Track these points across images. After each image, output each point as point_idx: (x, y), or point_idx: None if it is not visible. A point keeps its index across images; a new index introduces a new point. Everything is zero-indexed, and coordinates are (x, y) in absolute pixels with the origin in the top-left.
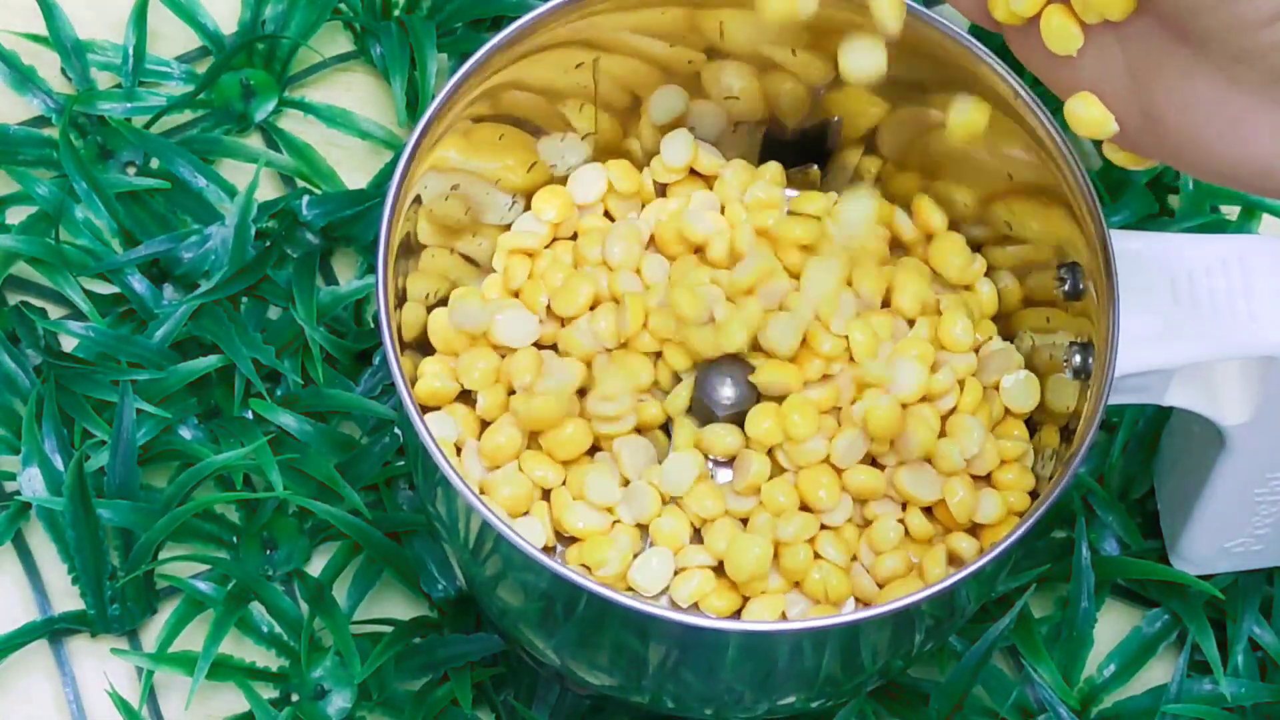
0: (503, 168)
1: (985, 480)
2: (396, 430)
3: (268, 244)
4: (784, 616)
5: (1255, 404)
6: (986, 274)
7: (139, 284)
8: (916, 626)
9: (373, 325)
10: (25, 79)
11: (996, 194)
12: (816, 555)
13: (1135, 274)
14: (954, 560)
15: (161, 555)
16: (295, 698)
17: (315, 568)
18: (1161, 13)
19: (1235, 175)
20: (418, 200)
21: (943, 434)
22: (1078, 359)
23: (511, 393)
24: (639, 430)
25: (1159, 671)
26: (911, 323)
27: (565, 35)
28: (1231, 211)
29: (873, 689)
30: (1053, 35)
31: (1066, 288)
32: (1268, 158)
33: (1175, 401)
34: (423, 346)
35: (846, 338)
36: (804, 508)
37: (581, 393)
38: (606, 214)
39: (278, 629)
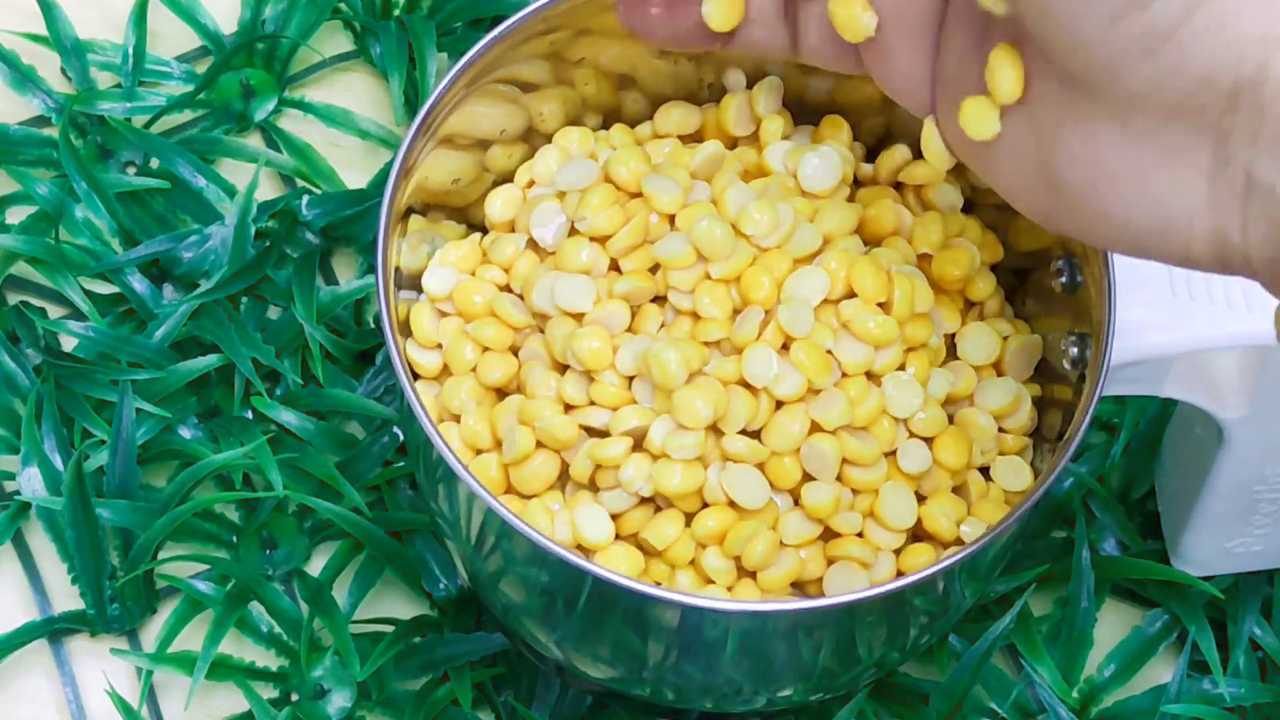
0: (503, 160)
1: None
2: (396, 429)
3: (268, 244)
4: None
5: (1253, 396)
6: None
7: (139, 284)
8: (911, 619)
9: (373, 325)
10: (25, 79)
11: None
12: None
13: (1132, 265)
14: None
15: (161, 555)
16: (295, 697)
17: (315, 567)
18: (1053, 61)
19: (1138, 238)
20: (417, 198)
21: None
22: (1075, 350)
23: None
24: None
25: (1159, 671)
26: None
27: (565, 31)
28: None
29: (871, 686)
30: (971, 122)
31: (1064, 280)
32: (1166, 216)
33: (1173, 393)
34: None
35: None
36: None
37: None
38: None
39: (277, 629)
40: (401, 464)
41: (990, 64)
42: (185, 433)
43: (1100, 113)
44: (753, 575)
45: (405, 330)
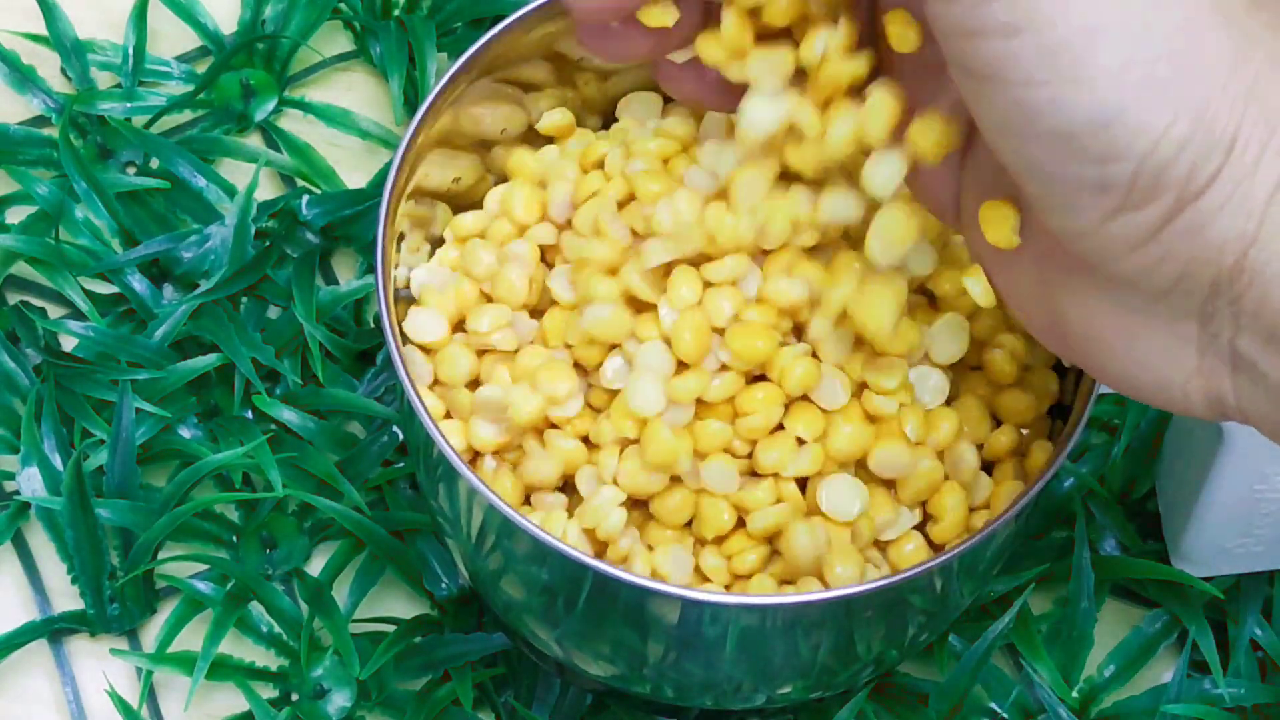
0: (503, 160)
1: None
2: (396, 429)
3: (267, 244)
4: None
5: None
6: None
7: (139, 284)
8: (909, 617)
9: (373, 325)
10: (25, 79)
11: None
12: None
13: None
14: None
15: (161, 555)
16: (295, 697)
17: (314, 567)
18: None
19: (1136, 391)
20: (416, 196)
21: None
22: None
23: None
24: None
25: (1159, 671)
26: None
27: (565, 31)
28: None
29: (870, 685)
30: (990, 228)
31: None
32: (1161, 376)
33: None
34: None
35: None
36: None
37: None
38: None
39: (277, 629)
40: (401, 464)
41: (983, 214)
42: (185, 432)
43: (1095, 283)
44: (748, 576)
45: (405, 329)
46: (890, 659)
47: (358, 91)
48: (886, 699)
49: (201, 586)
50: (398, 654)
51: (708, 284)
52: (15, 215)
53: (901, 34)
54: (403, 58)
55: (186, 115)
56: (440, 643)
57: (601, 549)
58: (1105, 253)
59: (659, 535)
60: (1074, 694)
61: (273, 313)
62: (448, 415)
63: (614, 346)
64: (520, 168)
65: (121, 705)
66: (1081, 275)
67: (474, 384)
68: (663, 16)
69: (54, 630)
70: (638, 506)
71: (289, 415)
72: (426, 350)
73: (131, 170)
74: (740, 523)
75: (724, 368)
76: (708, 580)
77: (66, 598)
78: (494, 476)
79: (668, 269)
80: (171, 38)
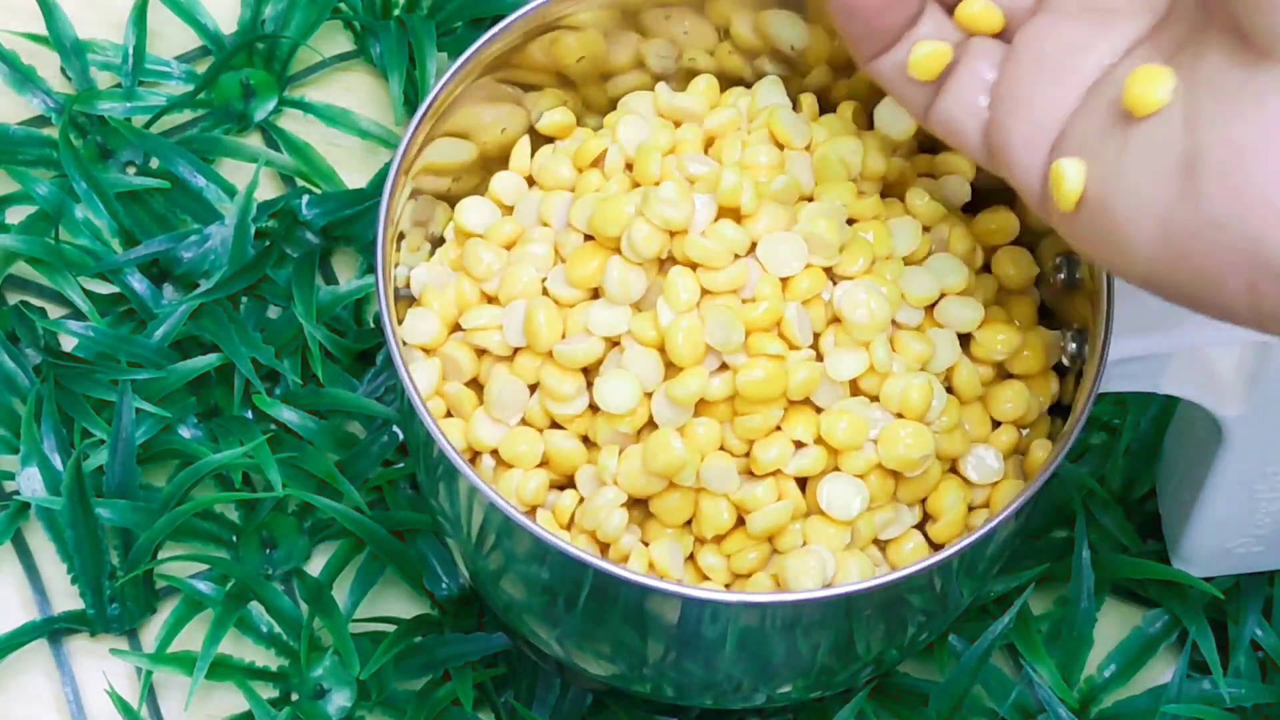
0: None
1: None
2: (396, 429)
3: (267, 243)
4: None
5: (1252, 393)
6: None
7: (139, 284)
8: (909, 616)
9: (373, 325)
10: (25, 79)
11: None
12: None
13: None
14: None
15: (161, 555)
16: (295, 697)
17: (314, 567)
18: (1241, 28)
19: (1266, 224)
20: (416, 196)
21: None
22: (1073, 346)
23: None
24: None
25: (1159, 671)
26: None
27: (565, 30)
28: None
29: (871, 685)
30: (1141, 88)
31: (1063, 277)
32: None
33: (1172, 390)
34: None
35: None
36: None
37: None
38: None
39: (277, 628)
40: (401, 464)
41: (1132, 80)
42: (185, 432)
43: (1273, 74)
44: (748, 574)
45: (401, 332)
46: (890, 659)
47: (358, 91)
48: (886, 698)
49: (201, 586)
50: (398, 654)
51: (706, 291)
52: (15, 215)
53: None
54: (403, 58)
55: (186, 115)
56: (440, 643)
57: (602, 549)
58: None
59: (658, 534)
60: (1074, 694)
61: (273, 313)
62: (448, 415)
63: (614, 343)
64: (521, 167)
65: (121, 705)
66: (1265, 68)
67: (474, 384)
68: None
69: (54, 630)
70: (637, 505)
71: (289, 415)
72: (426, 350)
73: (131, 170)
74: (740, 521)
75: (723, 367)
76: (707, 579)
77: (66, 598)
78: (494, 476)
79: (661, 266)
80: (171, 38)
